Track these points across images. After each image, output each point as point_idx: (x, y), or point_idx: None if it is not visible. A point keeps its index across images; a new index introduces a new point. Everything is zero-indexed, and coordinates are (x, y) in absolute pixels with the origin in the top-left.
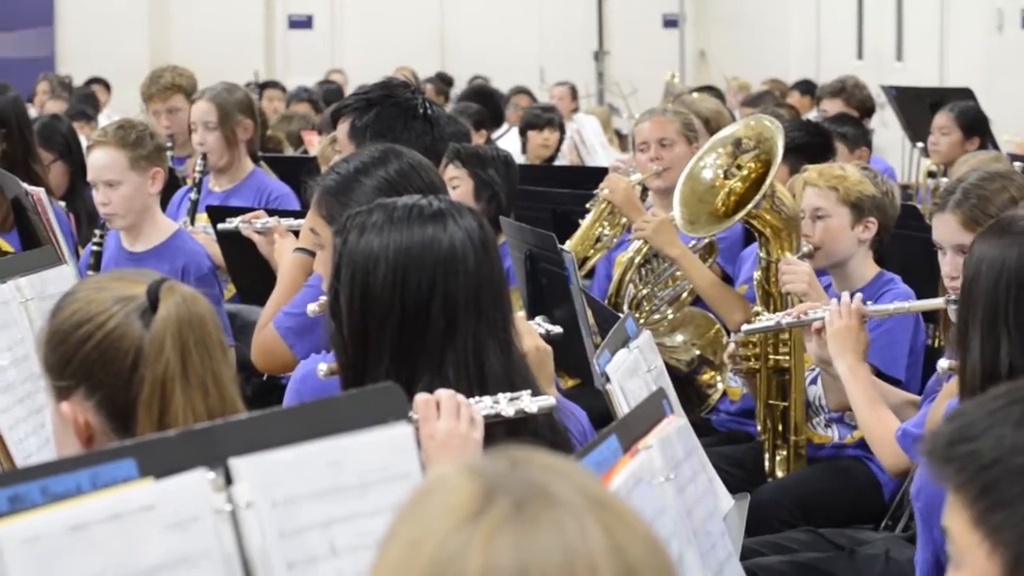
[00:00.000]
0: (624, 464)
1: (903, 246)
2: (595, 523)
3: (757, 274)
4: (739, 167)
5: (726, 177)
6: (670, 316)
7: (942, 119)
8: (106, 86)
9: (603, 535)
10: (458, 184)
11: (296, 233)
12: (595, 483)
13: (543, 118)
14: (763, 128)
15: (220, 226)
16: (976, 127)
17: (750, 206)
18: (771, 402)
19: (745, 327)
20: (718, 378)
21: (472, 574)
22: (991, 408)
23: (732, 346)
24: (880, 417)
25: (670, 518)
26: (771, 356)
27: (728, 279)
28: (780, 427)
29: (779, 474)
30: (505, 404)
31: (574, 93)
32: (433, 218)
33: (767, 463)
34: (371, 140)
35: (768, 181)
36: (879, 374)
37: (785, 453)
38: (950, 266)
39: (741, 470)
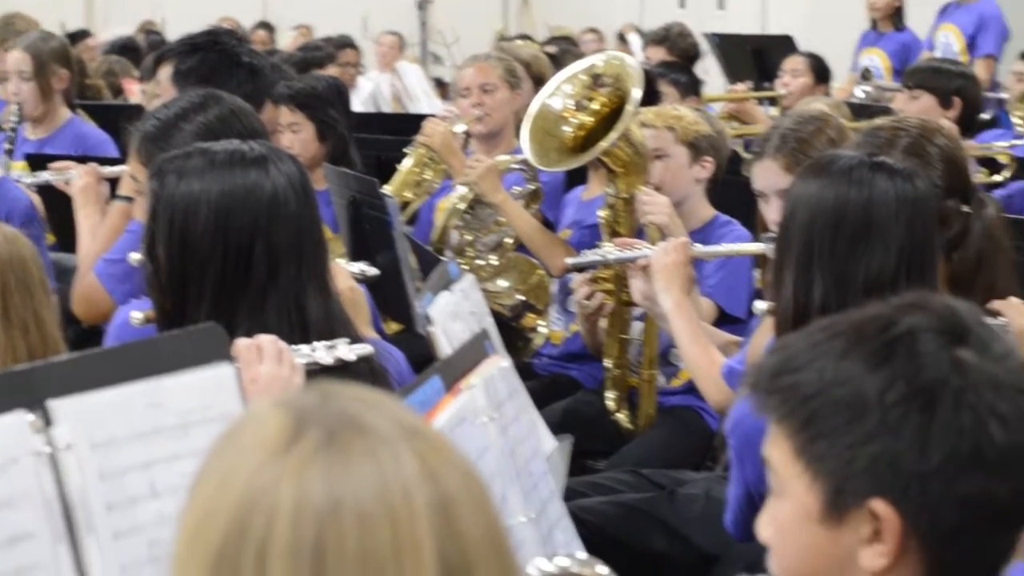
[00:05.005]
0: (447, 403)
1: (724, 191)
2: (409, 452)
3: (604, 212)
4: (590, 100)
5: (578, 109)
6: (494, 262)
7: (795, 61)
8: None
9: (417, 464)
10: (299, 129)
11: (113, 181)
12: (408, 414)
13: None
14: (623, 67)
15: (27, 180)
16: (824, 74)
17: (606, 143)
18: (622, 336)
19: (569, 260)
20: (541, 323)
21: (284, 507)
22: (813, 341)
23: (584, 288)
24: (706, 353)
25: (493, 457)
26: (623, 291)
27: (550, 225)
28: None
29: (621, 416)
30: (323, 352)
31: (402, 43)
32: (255, 163)
33: (612, 401)
34: (194, 85)
35: (626, 118)
36: (722, 314)
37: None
38: (775, 212)
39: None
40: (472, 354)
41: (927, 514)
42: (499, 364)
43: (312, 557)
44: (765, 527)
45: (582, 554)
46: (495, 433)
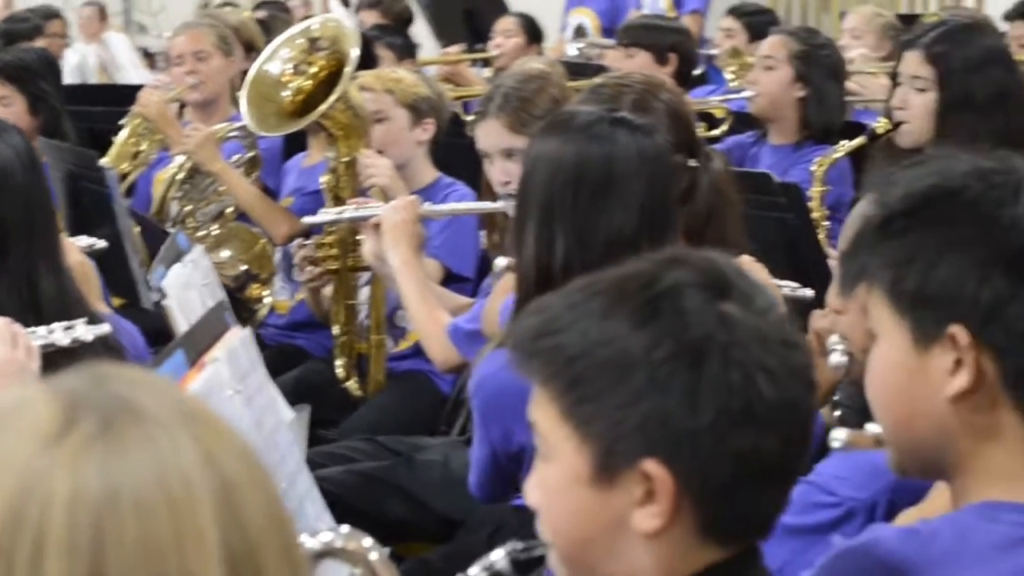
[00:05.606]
0: (193, 378)
1: (447, 153)
2: (187, 437)
3: (326, 178)
4: (309, 64)
5: (296, 73)
6: (215, 232)
7: (507, 22)
8: None
9: (196, 448)
10: (10, 103)
11: None
12: (184, 396)
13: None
14: (339, 29)
15: None
16: (537, 34)
17: (324, 106)
18: (349, 302)
19: (306, 219)
20: (265, 292)
21: (59, 498)
22: (573, 301)
23: (306, 251)
24: (432, 312)
25: (242, 431)
26: (349, 257)
27: (270, 193)
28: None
29: (351, 384)
30: (61, 334)
31: (103, 13)
32: None
33: (342, 368)
34: None
35: (344, 80)
36: (449, 274)
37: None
38: (500, 172)
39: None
40: (214, 326)
41: (699, 472)
42: (240, 335)
43: (90, 549)
44: (532, 491)
45: (345, 527)
46: (240, 406)
